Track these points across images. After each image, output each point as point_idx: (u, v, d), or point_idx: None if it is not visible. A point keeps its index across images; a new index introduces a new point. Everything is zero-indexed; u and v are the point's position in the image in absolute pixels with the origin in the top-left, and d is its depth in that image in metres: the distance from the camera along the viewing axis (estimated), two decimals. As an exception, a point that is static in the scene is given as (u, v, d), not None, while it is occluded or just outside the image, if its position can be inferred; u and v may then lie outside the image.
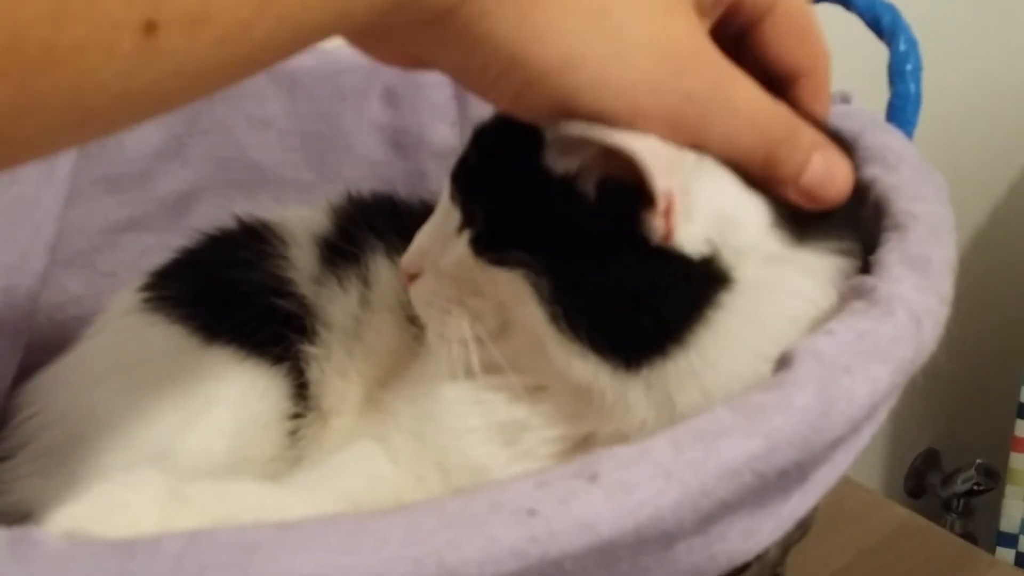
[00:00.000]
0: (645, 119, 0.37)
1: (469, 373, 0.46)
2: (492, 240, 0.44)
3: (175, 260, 0.58)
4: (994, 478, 1.46)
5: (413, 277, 0.48)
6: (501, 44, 0.34)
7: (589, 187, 0.41)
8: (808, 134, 0.41)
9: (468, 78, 0.37)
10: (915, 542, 0.73)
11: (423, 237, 0.49)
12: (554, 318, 0.42)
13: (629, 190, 0.39)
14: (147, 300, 0.55)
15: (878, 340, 0.37)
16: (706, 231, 0.40)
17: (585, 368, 0.42)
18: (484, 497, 0.29)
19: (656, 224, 0.39)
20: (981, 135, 1.39)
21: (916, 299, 0.39)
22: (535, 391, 0.46)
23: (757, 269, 0.41)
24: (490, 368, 0.46)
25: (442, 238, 0.47)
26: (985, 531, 1.44)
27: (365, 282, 0.55)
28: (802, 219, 0.42)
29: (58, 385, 0.55)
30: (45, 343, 0.60)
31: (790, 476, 0.34)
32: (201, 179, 0.69)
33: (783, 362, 0.36)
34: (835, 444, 0.35)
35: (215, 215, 0.64)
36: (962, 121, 1.33)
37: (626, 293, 0.41)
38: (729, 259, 0.41)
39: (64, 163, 0.62)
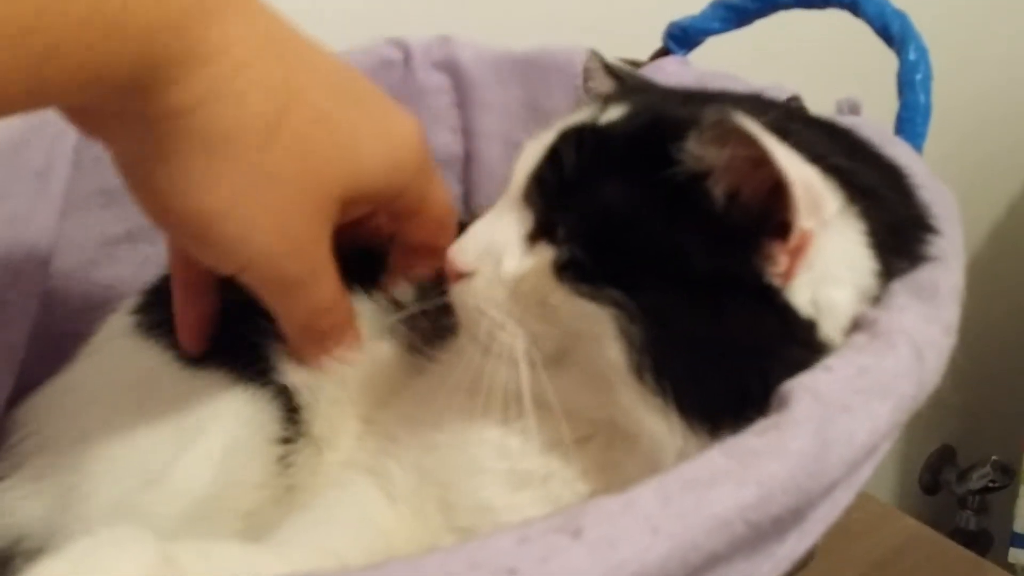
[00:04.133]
0: (245, 273, 0.43)
1: (511, 399, 0.43)
2: (584, 270, 0.40)
3: (166, 278, 0.57)
4: (1009, 475, 1.45)
5: (461, 275, 0.44)
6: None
7: (718, 191, 0.38)
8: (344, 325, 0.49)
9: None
10: (923, 555, 0.72)
11: (482, 233, 0.45)
12: (638, 367, 0.39)
13: (758, 212, 0.37)
14: (139, 324, 0.54)
15: (879, 376, 0.36)
16: (815, 294, 0.38)
17: (658, 424, 0.39)
18: (463, 554, 0.28)
19: (780, 259, 0.38)
20: (992, 138, 1.38)
21: (919, 331, 0.38)
22: (576, 443, 0.43)
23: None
24: (535, 401, 0.42)
25: (505, 240, 0.44)
26: (1000, 528, 1.43)
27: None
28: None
29: (52, 406, 0.54)
30: (43, 358, 0.60)
31: (785, 521, 0.33)
32: (198, 190, 0.68)
33: (780, 401, 0.35)
34: (832, 486, 0.34)
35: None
36: (973, 127, 1.31)
37: (734, 348, 0.38)
38: (828, 332, 0.39)
39: (58, 177, 0.61)
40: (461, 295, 0.45)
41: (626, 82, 0.50)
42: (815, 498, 0.33)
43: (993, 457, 1.46)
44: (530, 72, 0.70)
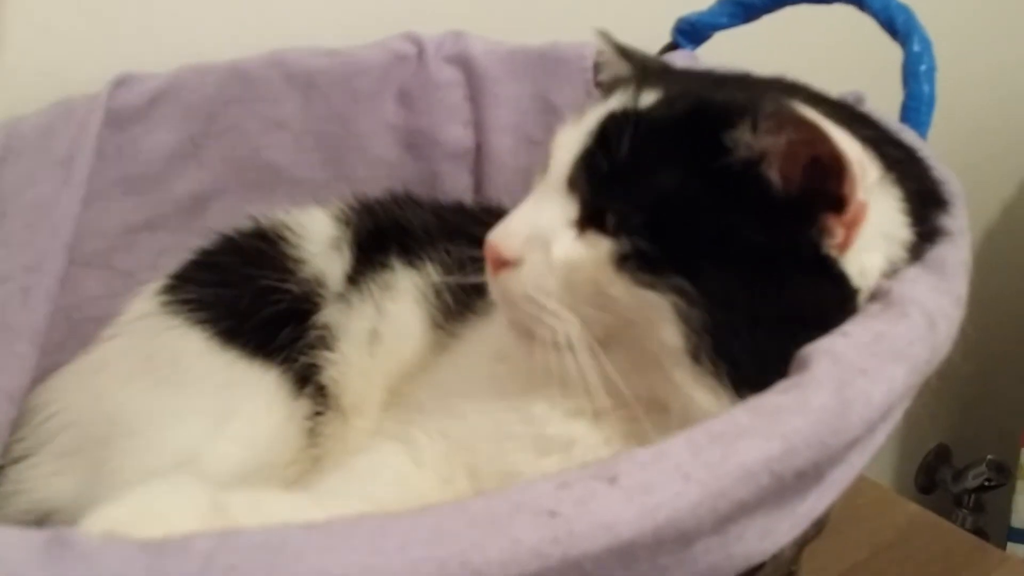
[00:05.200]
0: None
1: (573, 385, 0.43)
2: (645, 261, 0.40)
3: (193, 262, 0.59)
4: (1005, 474, 1.46)
5: (504, 264, 0.43)
6: None
7: (774, 174, 0.39)
8: None
9: None
10: (927, 538, 0.74)
11: (524, 220, 0.43)
12: (695, 349, 0.40)
13: (813, 189, 0.39)
14: (167, 303, 0.55)
15: (893, 341, 0.37)
16: (860, 261, 0.40)
17: (708, 400, 0.40)
18: (507, 498, 0.30)
19: (837, 231, 0.39)
20: (994, 134, 1.39)
21: (931, 301, 0.39)
22: (604, 411, 0.44)
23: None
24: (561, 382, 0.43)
25: (551, 226, 0.43)
26: (996, 527, 1.44)
27: (385, 286, 0.55)
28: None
29: (79, 385, 0.55)
30: (62, 343, 0.61)
31: (807, 476, 0.34)
32: (217, 180, 0.69)
33: (800, 363, 0.36)
34: (851, 444, 0.36)
35: (231, 215, 0.64)
36: (975, 120, 1.33)
37: (794, 320, 0.39)
38: (861, 300, 0.41)
39: (81, 165, 0.62)
40: (506, 283, 0.43)
41: (646, 65, 0.52)
42: (835, 455, 0.35)
43: (989, 456, 1.47)
44: (541, 66, 0.72)
